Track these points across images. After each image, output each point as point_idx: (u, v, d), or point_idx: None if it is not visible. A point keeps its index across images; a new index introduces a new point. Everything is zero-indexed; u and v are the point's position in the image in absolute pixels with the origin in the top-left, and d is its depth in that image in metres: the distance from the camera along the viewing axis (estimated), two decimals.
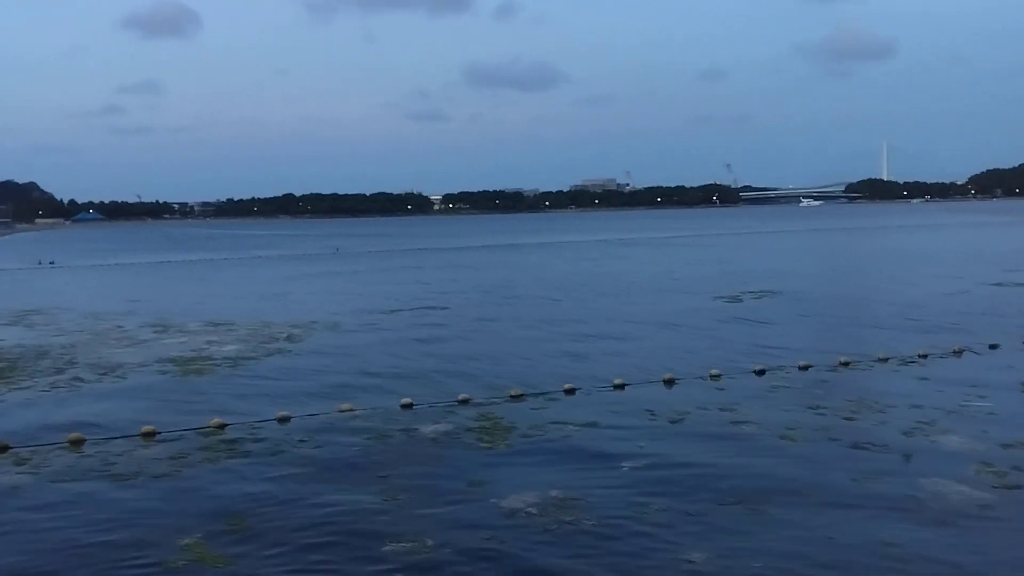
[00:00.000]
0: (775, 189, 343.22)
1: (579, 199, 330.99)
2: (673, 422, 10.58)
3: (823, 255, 45.43)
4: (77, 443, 10.15)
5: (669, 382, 12.93)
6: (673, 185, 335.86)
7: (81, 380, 14.09)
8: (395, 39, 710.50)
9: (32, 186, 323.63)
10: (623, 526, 7.25)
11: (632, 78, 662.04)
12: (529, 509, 7.64)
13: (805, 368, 13.57)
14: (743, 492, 7.98)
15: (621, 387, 12.66)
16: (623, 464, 8.93)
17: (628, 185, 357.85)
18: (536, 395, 12.18)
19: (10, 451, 9.88)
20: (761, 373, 13.30)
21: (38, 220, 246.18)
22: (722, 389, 12.42)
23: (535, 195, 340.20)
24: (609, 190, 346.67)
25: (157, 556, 6.78)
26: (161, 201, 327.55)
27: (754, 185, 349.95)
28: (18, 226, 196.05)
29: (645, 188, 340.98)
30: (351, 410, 11.32)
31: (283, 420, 10.96)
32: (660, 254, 49.56)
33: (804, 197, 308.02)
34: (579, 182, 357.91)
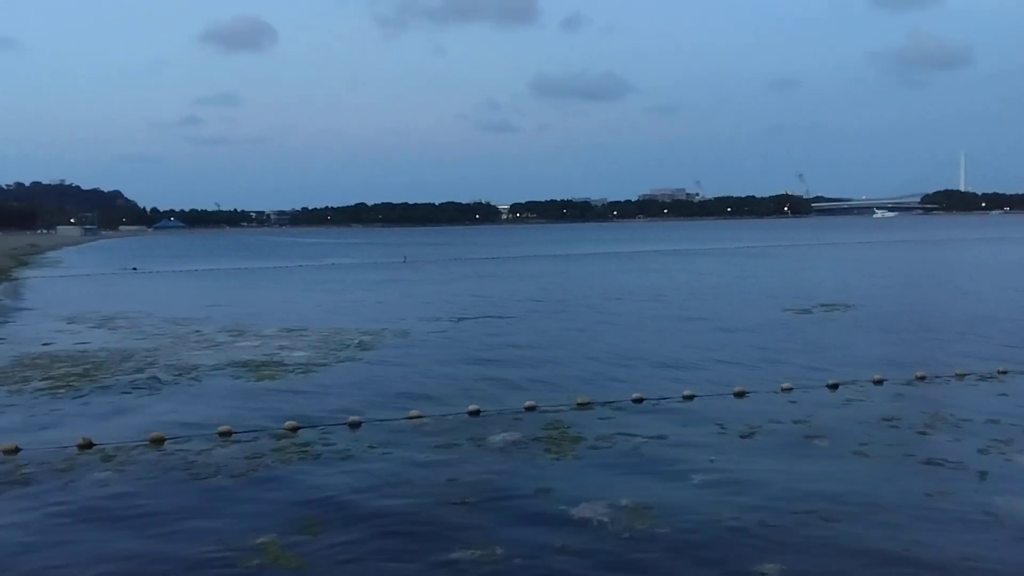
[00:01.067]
0: (848, 200, 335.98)
1: (648, 209, 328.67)
2: (744, 436, 10.45)
3: (897, 267, 44.26)
4: (158, 441, 10.50)
5: (740, 394, 12.77)
6: (744, 195, 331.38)
7: (160, 382, 14.55)
8: (464, 51, 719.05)
9: (117, 194, 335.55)
10: (695, 537, 7.21)
11: (702, 87, 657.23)
12: (600, 518, 7.65)
13: (879, 382, 13.26)
14: (816, 506, 7.86)
15: (690, 398, 12.55)
16: (693, 476, 8.87)
17: (698, 195, 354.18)
18: (603, 404, 12.16)
19: (95, 447, 10.27)
20: (834, 387, 13.05)
21: (122, 227, 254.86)
22: (794, 402, 12.22)
23: (603, 204, 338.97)
24: (678, 200, 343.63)
25: (233, 555, 6.97)
26: (239, 209, 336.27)
27: (827, 196, 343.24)
28: (103, 233, 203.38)
29: (715, 198, 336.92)
30: (419, 417, 11.47)
31: (353, 425, 11.15)
32: (730, 265, 48.89)
33: (878, 208, 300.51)
34: (648, 191, 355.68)
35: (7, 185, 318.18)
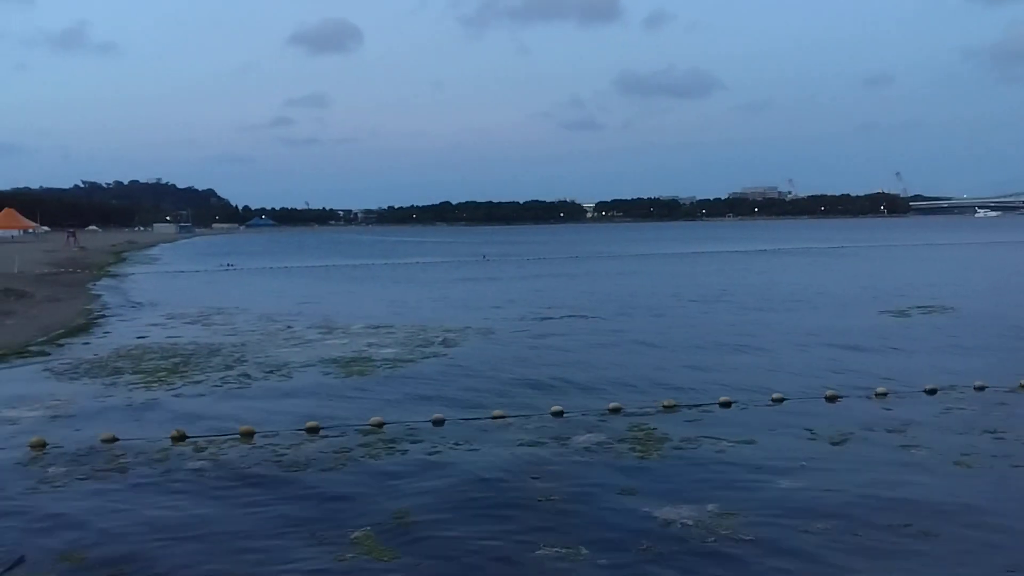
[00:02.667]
0: (948, 199, 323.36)
1: (738, 207, 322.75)
2: (835, 442, 10.12)
3: (1001, 270, 42.31)
4: (248, 435, 10.75)
5: (831, 399, 12.37)
6: (838, 193, 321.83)
7: (250, 377, 14.90)
8: (547, 50, 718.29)
9: (210, 193, 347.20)
10: (783, 545, 7.02)
11: (792, 84, 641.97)
12: (685, 521, 7.52)
13: (981, 389, 12.66)
14: (913, 517, 7.54)
15: (779, 401, 12.24)
16: (781, 482, 8.62)
17: (790, 193, 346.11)
18: (690, 407, 11.95)
19: (188, 440, 10.57)
20: (932, 392, 12.53)
21: (215, 225, 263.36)
22: (889, 408, 11.78)
23: (691, 203, 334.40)
24: (769, 198, 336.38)
25: (328, 548, 7.08)
26: (327, 208, 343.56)
27: (925, 194, 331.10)
28: (197, 230, 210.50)
29: (808, 196, 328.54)
30: (503, 416, 11.45)
31: (438, 423, 11.21)
32: (823, 265, 47.63)
33: (980, 207, 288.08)
34: (738, 190, 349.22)
35: (107, 184, 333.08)
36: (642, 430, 10.64)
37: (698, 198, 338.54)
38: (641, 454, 9.61)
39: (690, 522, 7.48)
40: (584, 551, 6.92)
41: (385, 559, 6.82)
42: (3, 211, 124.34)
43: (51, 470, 9.40)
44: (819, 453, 9.69)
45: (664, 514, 7.67)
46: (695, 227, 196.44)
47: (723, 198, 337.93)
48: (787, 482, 8.61)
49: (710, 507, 7.83)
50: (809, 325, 20.67)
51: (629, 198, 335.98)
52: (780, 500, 8.11)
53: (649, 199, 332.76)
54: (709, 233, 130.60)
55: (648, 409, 11.81)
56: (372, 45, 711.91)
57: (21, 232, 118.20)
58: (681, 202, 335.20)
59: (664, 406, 11.90)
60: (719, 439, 10.23)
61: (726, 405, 12.07)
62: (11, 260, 50.15)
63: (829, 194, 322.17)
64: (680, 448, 9.85)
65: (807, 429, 10.67)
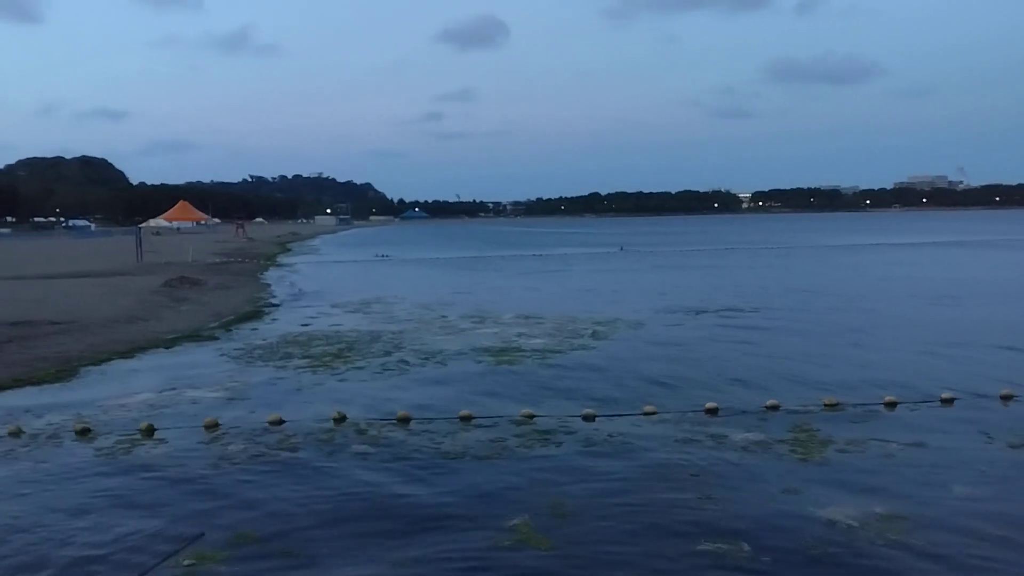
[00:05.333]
0: None
1: (904, 197, 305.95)
2: (1014, 446, 9.46)
3: None
4: (404, 420, 11.07)
5: (1007, 398, 11.57)
6: (1015, 183, 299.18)
7: (407, 364, 15.35)
8: (694, 38, 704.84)
9: (368, 186, 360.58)
10: (956, 552, 6.63)
11: (960, 68, 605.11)
12: (850, 522, 7.22)
13: None
14: None
15: (949, 402, 11.53)
16: (954, 487, 8.13)
17: (961, 183, 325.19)
18: (853, 406, 11.43)
19: (348, 421, 11.00)
20: None
21: (372, 217, 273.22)
22: None
23: (854, 193, 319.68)
24: (939, 188, 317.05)
25: (487, 533, 7.21)
26: (476, 200, 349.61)
27: None
28: (355, 222, 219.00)
29: (982, 186, 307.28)
30: (655, 412, 11.28)
31: (588, 418, 11.13)
32: (999, 257, 44.52)
33: None
34: (904, 179, 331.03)
35: (273, 178, 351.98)
36: (804, 430, 10.26)
37: (861, 187, 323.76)
38: (803, 455, 9.27)
39: (856, 524, 7.17)
40: (746, 547, 6.76)
41: (542, 548, 6.88)
42: (178, 204, 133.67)
43: (230, 448, 9.99)
44: (995, 458, 9.09)
45: (828, 515, 7.38)
46: (858, 218, 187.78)
47: (888, 188, 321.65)
48: (961, 488, 8.11)
49: (877, 509, 7.49)
50: (982, 320, 19.41)
51: (787, 188, 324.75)
52: (954, 506, 7.66)
53: (809, 189, 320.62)
54: (874, 224, 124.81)
55: (810, 407, 11.37)
56: (518, 39, 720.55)
57: (194, 224, 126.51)
58: (843, 192, 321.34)
59: (825, 404, 11.43)
60: (886, 440, 9.76)
61: (891, 405, 11.48)
62: (185, 250, 53.78)
63: (1006, 183, 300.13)
64: (844, 450, 9.43)
65: (982, 432, 10.03)
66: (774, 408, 11.28)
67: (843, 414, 11.07)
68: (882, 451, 9.38)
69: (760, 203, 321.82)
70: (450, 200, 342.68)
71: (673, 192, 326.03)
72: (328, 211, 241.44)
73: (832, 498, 7.81)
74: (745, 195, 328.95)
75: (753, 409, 11.33)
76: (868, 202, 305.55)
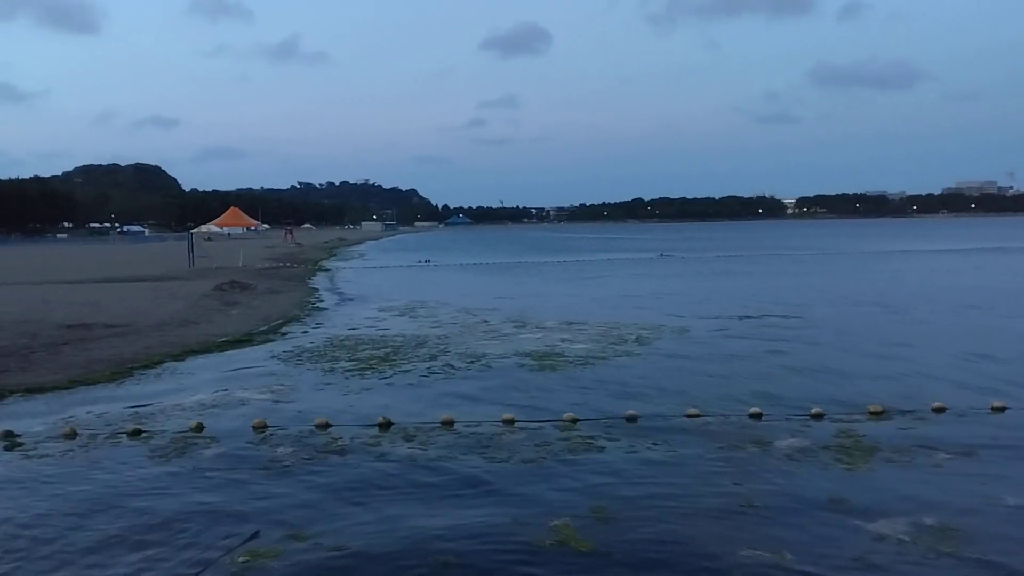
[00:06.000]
0: None
1: (952, 203, 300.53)
2: None
3: None
4: (448, 424, 11.20)
5: None
6: None
7: (452, 367, 15.49)
8: (736, 44, 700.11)
9: (413, 192, 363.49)
10: (1015, 565, 6.54)
11: (1007, 71, 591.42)
12: (900, 535, 7.14)
13: None
14: None
15: (1000, 410, 11.37)
16: (1006, 497, 8.02)
17: (1011, 188, 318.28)
18: (900, 413, 11.31)
19: (394, 427, 11.15)
20: None
21: (417, 223, 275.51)
22: None
23: (901, 198, 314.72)
24: (988, 193, 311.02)
25: (529, 534, 7.29)
26: (520, 206, 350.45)
27: None
28: (401, 228, 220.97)
29: None
30: (698, 415, 11.29)
31: (631, 419, 11.20)
32: None
33: None
34: (952, 184, 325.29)
35: (320, 184, 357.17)
36: (849, 437, 10.18)
37: (908, 193, 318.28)
38: (849, 463, 9.19)
39: (906, 536, 7.10)
40: (790, 556, 6.74)
41: (583, 549, 6.95)
42: (228, 210, 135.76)
43: (279, 450, 10.18)
44: None
45: (877, 527, 7.32)
46: (905, 224, 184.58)
47: (936, 193, 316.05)
48: (1014, 499, 7.99)
49: (928, 521, 7.41)
50: None
51: (832, 193, 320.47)
52: (1006, 517, 7.57)
53: (855, 194, 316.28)
54: (921, 230, 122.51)
55: (854, 415, 11.27)
56: (561, 46, 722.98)
57: (244, 229, 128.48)
58: (890, 197, 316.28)
59: (871, 412, 11.33)
60: (934, 448, 9.65)
61: (939, 411, 11.36)
62: (236, 255, 54.66)
63: None
64: (891, 459, 9.33)
65: None
66: (819, 416, 11.20)
67: (890, 422, 10.96)
68: (930, 460, 9.28)
69: (805, 209, 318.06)
70: (494, 206, 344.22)
71: (717, 198, 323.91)
72: (374, 217, 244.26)
73: (880, 508, 7.74)
74: (790, 201, 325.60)
75: (798, 415, 11.27)
76: (915, 208, 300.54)
